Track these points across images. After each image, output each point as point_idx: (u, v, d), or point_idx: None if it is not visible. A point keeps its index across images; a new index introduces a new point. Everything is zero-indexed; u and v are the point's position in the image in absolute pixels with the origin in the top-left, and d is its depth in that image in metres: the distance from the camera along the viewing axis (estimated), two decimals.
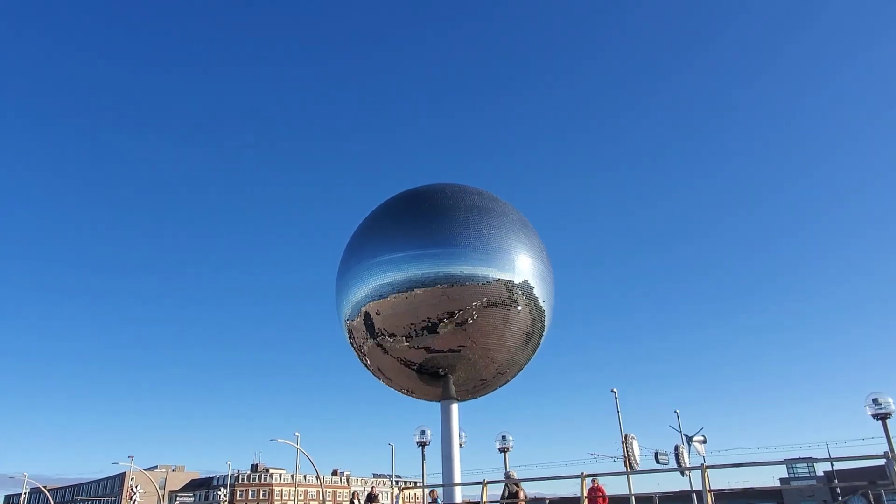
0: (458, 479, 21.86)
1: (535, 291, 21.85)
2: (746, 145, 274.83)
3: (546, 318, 22.68)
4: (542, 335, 22.90)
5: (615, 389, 54.96)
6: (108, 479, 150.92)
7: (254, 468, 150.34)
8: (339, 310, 23.01)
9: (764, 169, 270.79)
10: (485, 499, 15.60)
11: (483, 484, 16.33)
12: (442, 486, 22.33)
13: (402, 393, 24.45)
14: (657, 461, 53.71)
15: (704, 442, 69.60)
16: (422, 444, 46.88)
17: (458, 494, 21.29)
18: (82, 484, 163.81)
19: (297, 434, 74.23)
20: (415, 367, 21.98)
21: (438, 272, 20.41)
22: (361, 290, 21.45)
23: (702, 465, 12.31)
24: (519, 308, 21.52)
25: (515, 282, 21.25)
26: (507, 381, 23.68)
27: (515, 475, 17.76)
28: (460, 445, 48.73)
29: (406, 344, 21.21)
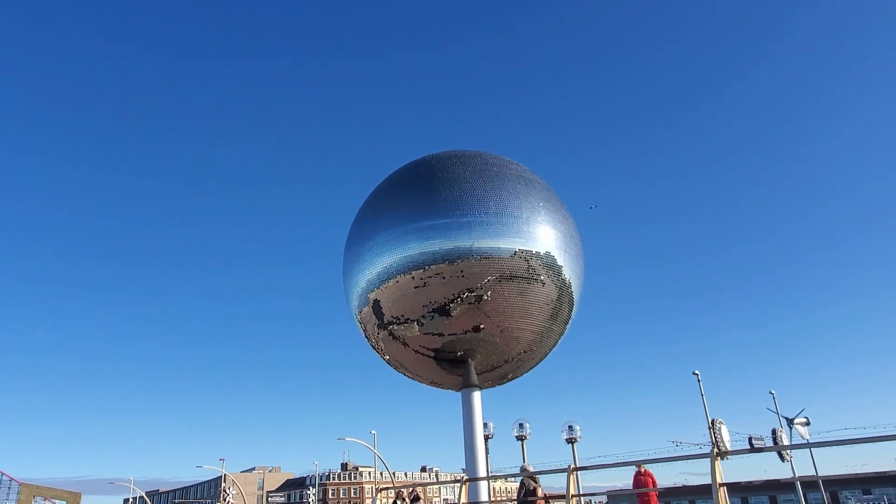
0: (483, 472, 19.52)
1: (558, 262, 19.26)
2: (845, 126, 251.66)
3: (574, 292, 19.98)
4: (571, 310, 20.19)
5: (697, 371, 50.68)
6: (210, 481, 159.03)
7: (344, 467, 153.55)
8: (348, 302, 21.15)
9: (870, 150, 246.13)
10: (463, 500, 13.23)
11: (463, 482, 13.99)
12: (414, 485, 19.97)
13: (427, 384, 22.40)
14: (752, 447, 49.03)
15: (808, 424, 62.97)
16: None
17: (484, 491, 18.90)
18: (189, 487, 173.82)
19: (373, 432, 74.20)
20: (432, 355, 19.86)
21: (444, 247, 18.27)
22: (365, 275, 19.63)
23: (712, 451, 9.36)
24: (542, 281, 18.91)
25: (535, 252, 18.70)
26: (536, 363, 21.10)
27: (532, 468, 15.24)
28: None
29: (418, 330, 19.12)
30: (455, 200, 18.69)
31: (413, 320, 19.07)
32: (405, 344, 19.88)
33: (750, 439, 51.69)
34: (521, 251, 18.59)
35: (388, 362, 21.75)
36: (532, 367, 21.28)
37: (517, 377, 21.60)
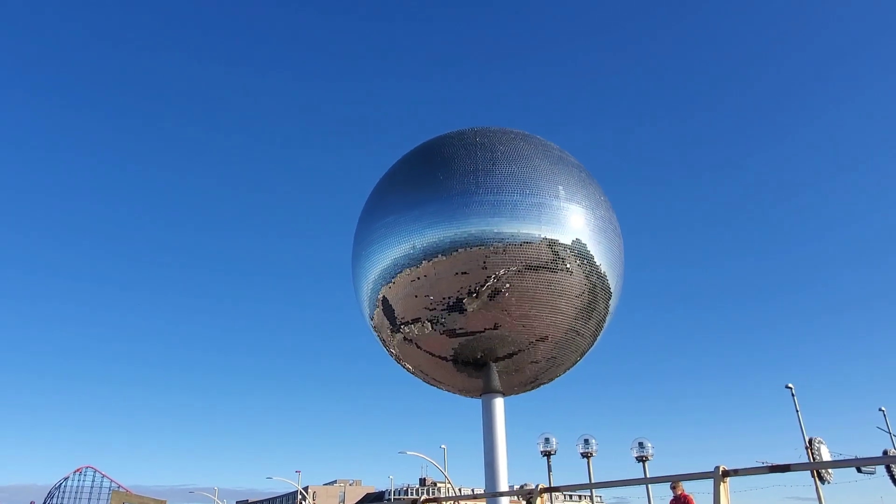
0: (504, 490, 17.12)
1: (590, 251, 16.77)
2: None
3: (611, 285, 17.34)
4: (608, 306, 17.53)
5: (791, 385, 45.74)
6: (292, 493, 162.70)
7: (422, 482, 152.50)
8: (359, 305, 19.42)
9: None
10: None
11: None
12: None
13: (454, 392, 20.26)
14: (859, 471, 43.30)
15: None
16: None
17: None
18: (275, 497, 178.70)
19: (443, 447, 72.52)
20: (449, 358, 17.77)
21: (452, 234, 16.28)
22: (371, 273, 17.89)
23: (717, 468, 6.75)
24: (570, 271, 16.46)
25: (561, 240, 16.36)
26: (571, 365, 18.52)
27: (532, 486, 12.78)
28: (591, 455, 42.66)
29: (431, 330, 17.13)
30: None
31: (425, 319, 17.11)
32: (420, 347, 17.95)
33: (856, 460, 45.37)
34: (547, 238, 16.28)
35: (412, 372, 19.84)
36: (567, 369, 18.71)
37: (550, 380, 19.06)
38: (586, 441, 41.53)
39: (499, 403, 18.17)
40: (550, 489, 10.43)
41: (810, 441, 41.85)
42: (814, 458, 39.65)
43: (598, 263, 17.05)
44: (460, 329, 16.84)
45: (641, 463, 39.24)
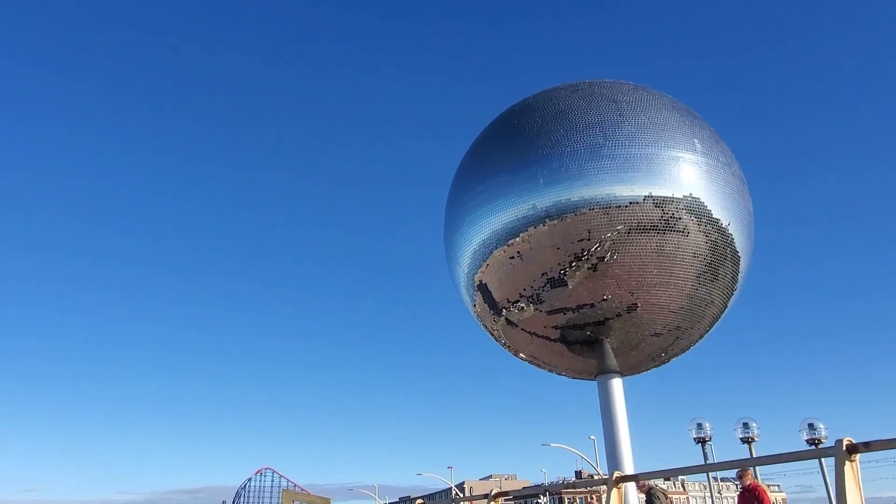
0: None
1: (707, 206, 14.64)
2: None
3: (739, 243, 14.98)
4: (737, 266, 15.17)
5: None
6: (446, 490, 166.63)
7: (577, 474, 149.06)
8: (462, 297, 18.52)
9: None
10: None
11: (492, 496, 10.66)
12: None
13: (570, 376, 18.77)
14: None
15: None
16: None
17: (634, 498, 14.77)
18: (434, 493, 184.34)
19: (592, 437, 69.90)
20: (557, 339, 16.39)
21: (582, 193, 14.50)
22: (464, 257, 16.97)
23: (839, 442, 4.89)
24: (684, 231, 14.43)
25: (670, 196, 14.37)
26: (700, 335, 16.28)
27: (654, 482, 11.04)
28: (752, 440, 38.40)
29: (533, 310, 15.88)
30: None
31: (526, 299, 15.86)
32: (525, 330, 16.71)
33: None
34: (652, 196, 14.37)
35: (528, 361, 18.62)
36: (697, 341, 16.48)
37: (676, 355, 16.89)
38: (745, 425, 37.27)
39: (616, 384, 16.41)
40: (625, 478, 8.85)
41: None
42: None
43: (731, 224, 14.88)
44: (564, 306, 15.39)
45: (814, 447, 34.46)
